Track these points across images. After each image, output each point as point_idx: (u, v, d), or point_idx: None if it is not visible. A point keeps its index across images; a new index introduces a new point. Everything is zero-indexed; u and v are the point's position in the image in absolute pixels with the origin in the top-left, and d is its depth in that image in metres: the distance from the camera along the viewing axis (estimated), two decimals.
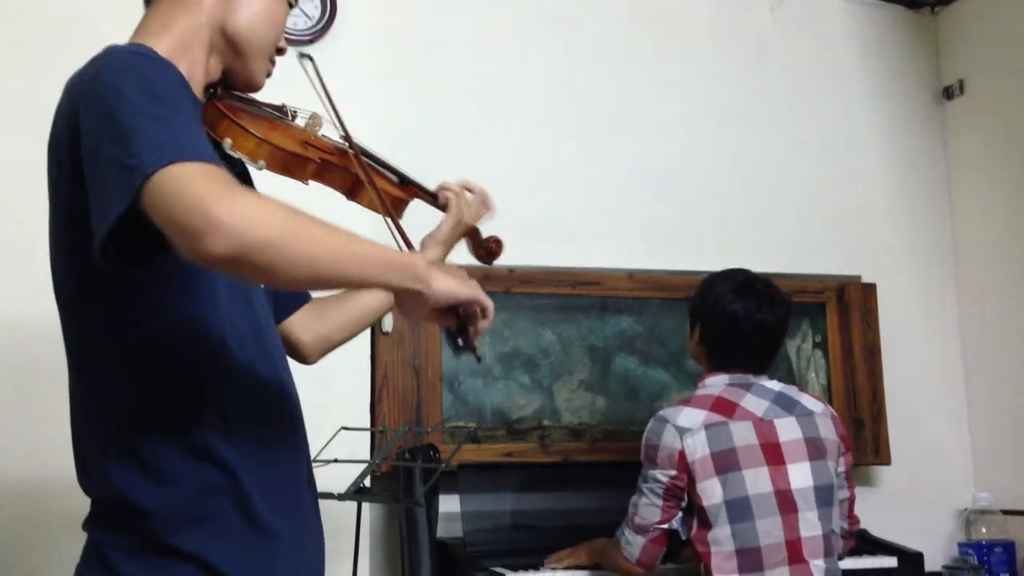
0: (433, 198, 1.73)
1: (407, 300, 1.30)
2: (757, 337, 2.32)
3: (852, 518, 2.40)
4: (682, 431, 2.21)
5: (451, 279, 1.31)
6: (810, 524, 2.18)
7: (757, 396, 2.29)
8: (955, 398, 3.38)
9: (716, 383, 2.32)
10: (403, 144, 2.61)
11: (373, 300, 1.72)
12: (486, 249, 1.79)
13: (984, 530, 3.13)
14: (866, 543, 2.81)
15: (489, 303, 1.36)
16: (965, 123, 3.45)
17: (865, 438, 3.10)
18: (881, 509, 3.03)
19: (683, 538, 2.24)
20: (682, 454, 2.19)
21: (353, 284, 1.38)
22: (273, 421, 1.38)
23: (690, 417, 2.24)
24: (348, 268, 1.20)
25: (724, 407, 2.25)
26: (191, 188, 1.10)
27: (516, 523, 2.72)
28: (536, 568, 2.47)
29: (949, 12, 3.52)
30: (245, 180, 1.48)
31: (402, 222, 1.57)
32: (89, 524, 1.34)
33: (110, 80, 1.20)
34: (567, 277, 2.94)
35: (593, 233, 3.06)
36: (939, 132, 3.52)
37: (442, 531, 2.57)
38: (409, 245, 1.51)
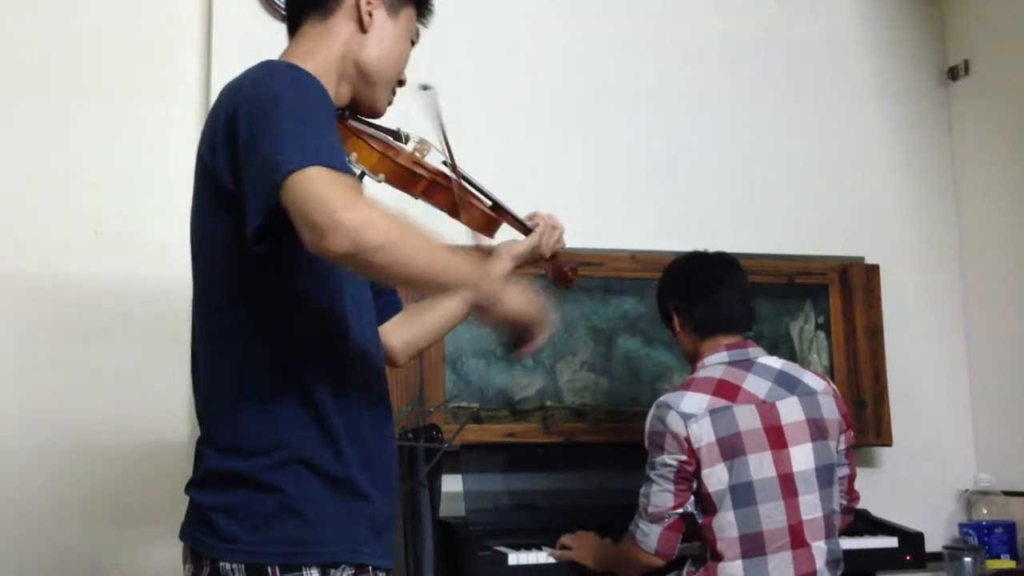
0: (521, 224, 1.89)
1: (479, 308, 1.50)
2: (726, 290, 2.36)
3: (852, 494, 2.40)
4: (686, 417, 2.19)
5: (522, 297, 1.50)
6: (811, 506, 2.18)
7: (759, 376, 2.27)
8: (957, 379, 3.37)
9: (716, 362, 2.31)
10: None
11: (455, 308, 1.85)
12: (564, 277, 1.99)
13: (985, 511, 3.14)
14: (867, 523, 2.82)
15: (547, 328, 1.55)
16: (970, 103, 3.43)
17: (867, 419, 3.10)
18: (882, 489, 3.03)
19: (699, 521, 2.20)
20: (688, 440, 2.18)
21: (441, 291, 1.61)
22: (375, 398, 1.54)
23: (693, 402, 2.22)
24: (440, 277, 1.39)
25: (727, 390, 2.24)
26: (322, 190, 1.27)
27: (518, 503, 2.73)
28: (538, 547, 2.48)
29: None
30: None
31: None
32: (194, 488, 1.48)
33: (270, 86, 1.39)
34: (569, 258, 2.92)
35: (595, 214, 3.05)
36: (944, 112, 3.49)
37: (444, 511, 2.58)
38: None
